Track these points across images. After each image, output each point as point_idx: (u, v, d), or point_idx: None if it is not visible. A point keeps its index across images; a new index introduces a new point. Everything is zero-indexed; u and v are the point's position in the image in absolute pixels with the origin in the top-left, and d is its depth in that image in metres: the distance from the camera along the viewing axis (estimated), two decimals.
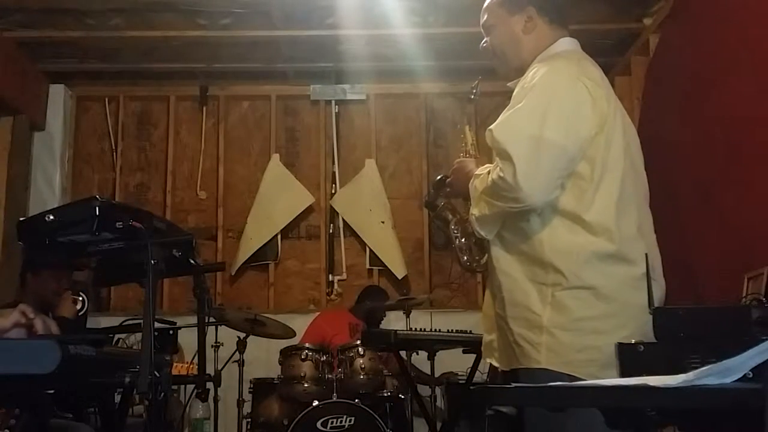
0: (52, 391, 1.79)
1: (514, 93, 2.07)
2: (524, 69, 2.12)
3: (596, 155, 1.95)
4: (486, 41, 2.25)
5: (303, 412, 3.91)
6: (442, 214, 2.40)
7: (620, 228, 1.96)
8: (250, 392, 4.30)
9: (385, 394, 4.20)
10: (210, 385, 4.01)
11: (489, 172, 2.03)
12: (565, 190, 1.96)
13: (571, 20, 2.26)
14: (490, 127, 2.00)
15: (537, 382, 1.91)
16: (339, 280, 5.64)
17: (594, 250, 1.94)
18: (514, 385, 1.37)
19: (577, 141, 1.93)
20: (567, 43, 2.17)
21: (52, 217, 1.82)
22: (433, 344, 3.92)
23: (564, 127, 1.92)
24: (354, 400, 3.98)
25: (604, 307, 1.93)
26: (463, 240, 2.34)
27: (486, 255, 2.19)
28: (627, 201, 2.00)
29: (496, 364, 2.18)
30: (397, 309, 4.89)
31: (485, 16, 2.24)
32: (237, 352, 4.31)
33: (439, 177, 2.40)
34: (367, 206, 5.61)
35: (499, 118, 2.01)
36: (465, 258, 2.33)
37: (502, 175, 1.92)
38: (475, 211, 2.08)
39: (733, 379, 1.02)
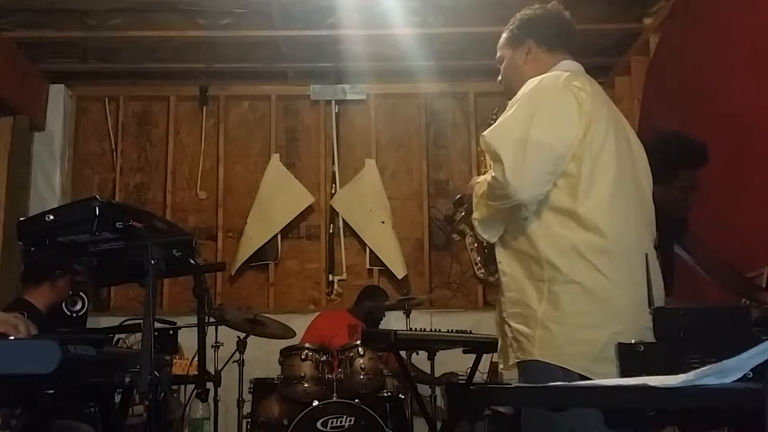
0: (52, 391, 1.79)
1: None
2: None
3: (584, 154, 2.04)
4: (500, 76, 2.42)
5: (303, 412, 3.91)
6: (460, 228, 2.48)
7: (613, 224, 2.03)
8: (250, 392, 4.29)
9: (385, 394, 4.20)
10: (210, 385, 4.01)
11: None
12: (559, 188, 2.05)
13: (574, 43, 2.36)
14: (483, 133, 2.13)
15: (531, 374, 2.00)
16: (339, 280, 5.64)
17: (587, 246, 2.01)
18: (514, 384, 1.37)
19: (564, 141, 2.04)
20: (567, 65, 2.27)
21: (52, 217, 1.82)
22: (433, 344, 3.92)
23: (550, 128, 2.04)
24: (354, 400, 3.97)
25: (593, 302, 1.99)
26: (479, 254, 2.40)
27: None
28: (622, 202, 2.07)
29: (501, 366, 2.22)
30: (397, 309, 4.89)
31: (497, 54, 2.41)
32: (237, 352, 4.30)
33: (458, 196, 2.50)
34: (367, 206, 5.61)
35: (492, 125, 2.15)
36: (482, 271, 2.41)
37: (494, 174, 2.04)
38: (476, 214, 2.18)
39: (733, 379, 1.02)
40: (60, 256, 3.32)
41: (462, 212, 2.47)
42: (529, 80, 2.17)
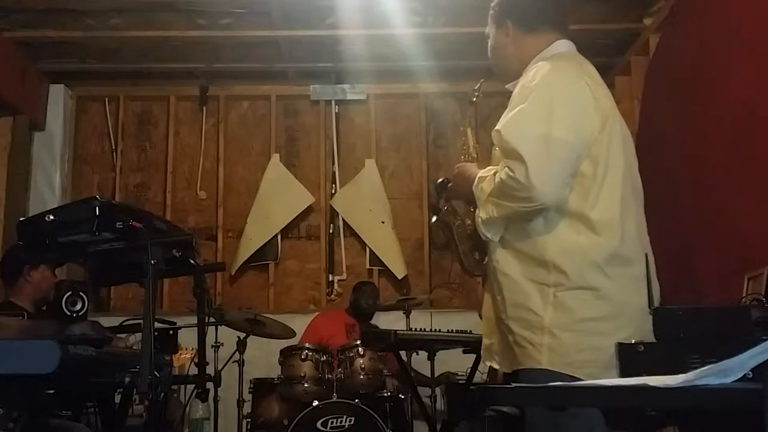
0: (52, 391, 1.79)
1: (513, 93, 2.08)
2: (512, 74, 2.18)
3: (599, 154, 1.96)
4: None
5: (303, 412, 3.91)
6: (446, 218, 2.40)
7: (624, 227, 1.97)
8: (250, 392, 4.30)
9: (385, 394, 4.20)
10: (210, 385, 4.01)
11: (495, 174, 2.02)
12: (571, 189, 1.96)
13: (570, 21, 2.29)
14: (497, 127, 2.00)
15: (538, 383, 1.91)
16: (339, 280, 5.64)
17: (598, 251, 1.94)
18: (514, 385, 1.37)
19: (582, 139, 1.95)
20: (563, 45, 2.18)
21: (52, 217, 1.83)
22: (433, 344, 3.92)
23: (570, 125, 1.94)
24: (354, 400, 3.98)
25: (605, 308, 1.93)
26: (465, 243, 2.34)
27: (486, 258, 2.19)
28: (628, 200, 2.02)
29: (496, 366, 2.17)
30: (397, 309, 4.89)
31: (487, 27, 2.33)
32: (237, 352, 4.31)
33: (440, 180, 2.41)
34: (367, 206, 5.61)
35: (506, 118, 2.01)
36: (468, 261, 2.33)
37: (512, 174, 1.91)
38: (482, 213, 2.07)
39: (733, 379, 1.02)
40: (29, 251, 3.28)
41: (445, 198, 2.39)
42: (537, 66, 2.06)
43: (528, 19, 2.20)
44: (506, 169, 1.94)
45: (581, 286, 1.93)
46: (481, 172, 2.13)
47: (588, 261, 1.94)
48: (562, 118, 1.93)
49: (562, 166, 1.92)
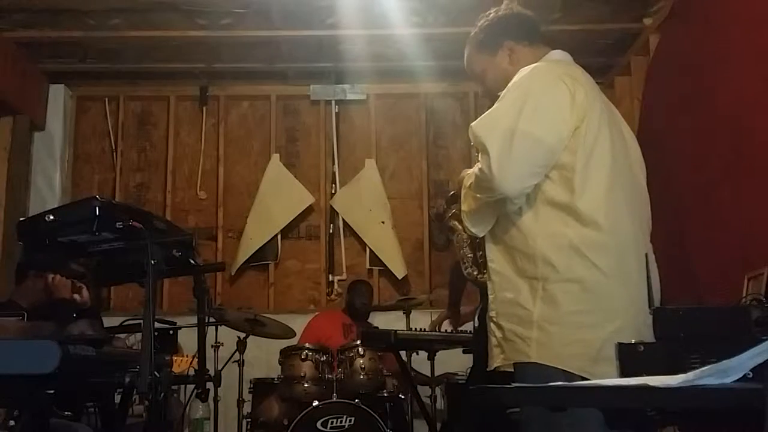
0: (52, 391, 1.79)
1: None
2: None
3: (577, 146, 1.99)
4: (482, 90, 2.35)
5: (303, 412, 3.91)
6: (450, 224, 2.44)
7: (610, 218, 1.98)
8: (250, 392, 4.30)
9: (385, 394, 4.20)
10: (210, 385, 4.01)
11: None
12: (553, 181, 1.99)
13: (560, 23, 2.32)
14: (472, 123, 2.07)
15: (528, 377, 1.94)
16: (339, 280, 5.64)
17: (583, 241, 1.95)
18: (514, 385, 1.37)
19: (555, 133, 1.98)
20: (558, 54, 2.23)
21: (52, 217, 1.83)
22: (433, 344, 3.92)
23: (540, 119, 1.98)
24: (354, 400, 3.98)
25: (592, 300, 1.94)
26: (469, 252, 2.35)
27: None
28: (619, 195, 2.02)
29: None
30: (397, 309, 4.89)
31: (472, 68, 2.32)
32: (237, 352, 4.31)
33: (451, 193, 2.47)
34: (367, 206, 5.61)
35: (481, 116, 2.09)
36: (470, 269, 2.34)
37: (480, 166, 1.99)
38: (464, 206, 2.14)
39: (733, 379, 1.02)
40: (49, 257, 3.31)
41: (453, 209, 2.42)
42: (521, 69, 2.11)
43: (524, 33, 2.25)
44: (478, 162, 2.02)
45: (569, 278, 1.95)
46: (470, 170, 2.18)
47: (576, 253, 1.95)
48: (532, 112, 1.97)
49: (526, 158, 1.96)
